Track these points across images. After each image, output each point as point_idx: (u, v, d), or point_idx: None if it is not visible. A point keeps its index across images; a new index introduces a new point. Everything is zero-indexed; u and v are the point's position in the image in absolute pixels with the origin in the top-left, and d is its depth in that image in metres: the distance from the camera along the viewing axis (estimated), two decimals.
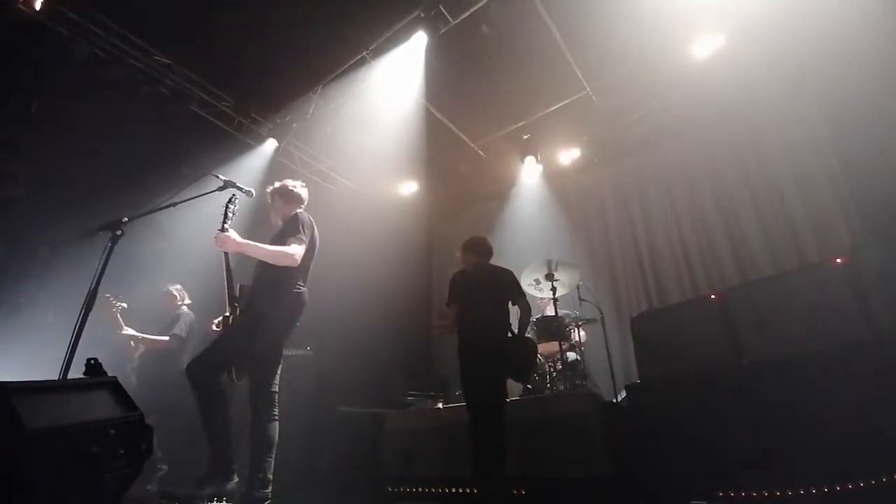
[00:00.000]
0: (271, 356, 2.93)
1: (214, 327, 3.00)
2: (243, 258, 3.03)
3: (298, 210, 3.20)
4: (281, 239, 3.00)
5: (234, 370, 2.84)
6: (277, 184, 3.32)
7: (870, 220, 4.21)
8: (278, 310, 2.93)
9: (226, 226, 2.90)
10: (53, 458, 1.36)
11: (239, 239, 2.89)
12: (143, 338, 4.28)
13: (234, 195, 3.02)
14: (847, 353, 2.42)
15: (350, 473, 4.08)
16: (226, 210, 2.95)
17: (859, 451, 2.24)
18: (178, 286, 4.67)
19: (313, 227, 3.14)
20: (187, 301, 4.67)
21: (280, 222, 3.19)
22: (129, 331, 4.24)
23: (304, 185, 3.36)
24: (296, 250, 2.91)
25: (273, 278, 2.94)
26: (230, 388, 2.86)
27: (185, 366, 2.77)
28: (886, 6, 4.02)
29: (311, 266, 3.15)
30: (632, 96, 5.64)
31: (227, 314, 2.93)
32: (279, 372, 2.97)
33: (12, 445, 1.29)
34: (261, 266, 3.01)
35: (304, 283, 3.08)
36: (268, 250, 2.92)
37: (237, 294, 2.96)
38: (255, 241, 2.99)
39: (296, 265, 2.92)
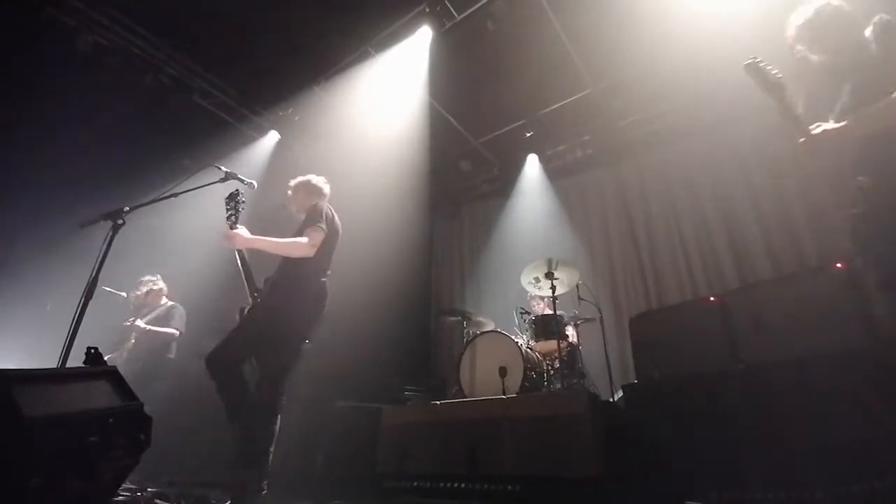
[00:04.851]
0: (284, 349, 2.88)
1: (240, 316, 2.99)
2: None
3: (318, 201, 3.18)
4: (300, 231, 2.99)
5: (254, 359, 2.85)
6: (301, 178, 3.33)
7: (871, 223, 4.20)
8: (295, 302, 2.89)
9: (234, 221, 2.91)
10: (52, 447, 1.36)
11: (248, 235, 2.90)
12: (150, 329, 4.28)
13: (238, 191, 3.02)
14: (846, 357, 2.43)
15: (346, 468, 4.08)
16: (234, 207, 2.96)
17: (854, 457, 2.25)
18: (158, 277, 4.67)
19: (333, 217, 3.12)
20: (166, 291, 4.69)
21: (302, 216, 3.18)
22: (139, 322, 4.25)
23: (326, 181, 3.37)
24: (309, 240, 2.89)
25: (290, 270, 2.93)
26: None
27: (205, 358, 2.76)
28: (886, 5, 4.00)
29: (333, 255, 3.12)
30: (636, 97, 5.62)
31: (249, 306, 2.92)
32: (292, 366, 2.92)
33: (11, 433, 1.29)
34: (281, 259, 3.00)
35: (324, 273, 3.04)
36: (278, 244, 2.91)
37: (258, 286, 2.95)
38: (261, 232, 2.99)
39: (310, 255, 2.89)
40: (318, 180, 3.33)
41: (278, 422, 2.84)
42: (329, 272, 3.11)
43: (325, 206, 3.12)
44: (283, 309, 2.85)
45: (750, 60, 2.36)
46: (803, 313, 2.69)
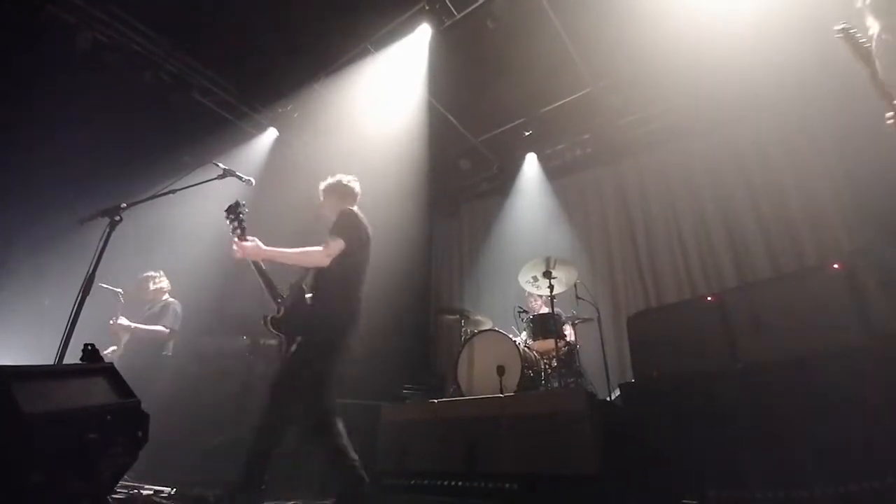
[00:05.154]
0: (303, 374, 2.67)
1: (264, 324, 2.84)
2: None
3: (346, 206, 3.07)
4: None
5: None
6: (331, 180, 3.21)
7: (870, 224, 4.21)
8: (317, 323, 2.74)
9: (241, 232, 2.84)
10: (52, 444, 1.36)
11: (262, 246, 2.81)
12: (135, 327, 4.24)
13: (238, 202, 2.92)
14: (843, 357, 2.43)
15: None
16: (237, 218, 2.88)
17: (854, 457, 2.25)
18: (161, 273, 4.63)
19: (358, 224, 2.99)
20: (168, 287, 4.66)
21: (333, 218, 3.05)
22: (122, 320, 4.20)
23: (356, 178, 3.26)
24: (324, 249, 2.79)
25: (311, 282, 2.85)
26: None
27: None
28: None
29: (361, 264, 2.98)
30: (635, 96, 5.62)
31: (275, 314, 2.83)
32: (317, 394, 2.68)
33: (10, 430, 1.28)
34: (303, 269, 2.93)
35: (349, 286, 2.88)
36: (292, 254, 2.82)
37: (281, 293, 2.85)
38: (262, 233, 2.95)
39: (325, 264, 2.79)
40: (349, 180, 3.21)
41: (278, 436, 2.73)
42: (364, 277, 2.99)
43: (350, 211, 3.01)
44: (321, 317, 2.76)
45: (843, 25, 2.32)
46: (802, 313, 2.69)
